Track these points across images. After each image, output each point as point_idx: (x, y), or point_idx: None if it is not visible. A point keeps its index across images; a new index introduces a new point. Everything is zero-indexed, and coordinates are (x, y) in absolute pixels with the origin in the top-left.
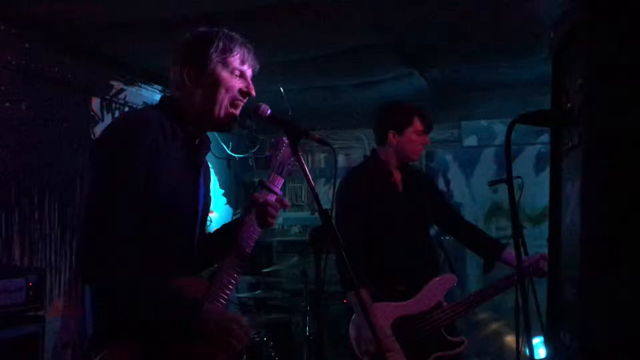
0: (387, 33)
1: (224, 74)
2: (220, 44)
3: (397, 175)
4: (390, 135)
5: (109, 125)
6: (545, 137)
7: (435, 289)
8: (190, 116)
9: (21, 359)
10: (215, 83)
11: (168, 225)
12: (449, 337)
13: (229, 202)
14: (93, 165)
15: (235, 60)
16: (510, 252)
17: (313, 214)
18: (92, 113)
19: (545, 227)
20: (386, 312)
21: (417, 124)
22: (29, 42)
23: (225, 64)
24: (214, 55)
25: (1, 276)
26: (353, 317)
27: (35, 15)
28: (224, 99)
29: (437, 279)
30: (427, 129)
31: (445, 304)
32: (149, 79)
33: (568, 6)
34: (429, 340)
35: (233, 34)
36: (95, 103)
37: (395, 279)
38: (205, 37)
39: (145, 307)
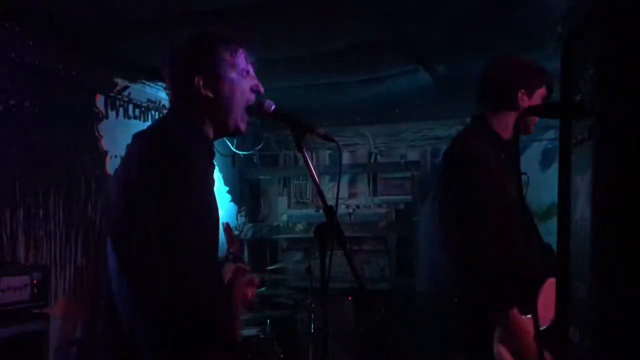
0: (393, 29)
1: (234, 75)
2: (225, 46)
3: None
4: (520, 96)
5: (146, 156)
6: (550, 134)
7: (549, 297)
8: (207, 126)
9: (26, 357)
10: (231, 88)
11: (210, 241)
12: None
13: (233, 200)
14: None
15: (241, 60)
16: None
17: (318, 211)
18: (96, 110)
19: (550, 223)
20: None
21: (544, 88)
22: (33, 40)
23: (234, 66)
24: (223, 60)
25: (6, 274)
26: (497, 333)
27: (38, 13)
28: (239, 102)
29: (548, 283)
30: (549, 96)
31: None
32: (153, 76)
33: None
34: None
35: (228, 34)
36: (100, 100)
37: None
38: (208, 41)
39: None
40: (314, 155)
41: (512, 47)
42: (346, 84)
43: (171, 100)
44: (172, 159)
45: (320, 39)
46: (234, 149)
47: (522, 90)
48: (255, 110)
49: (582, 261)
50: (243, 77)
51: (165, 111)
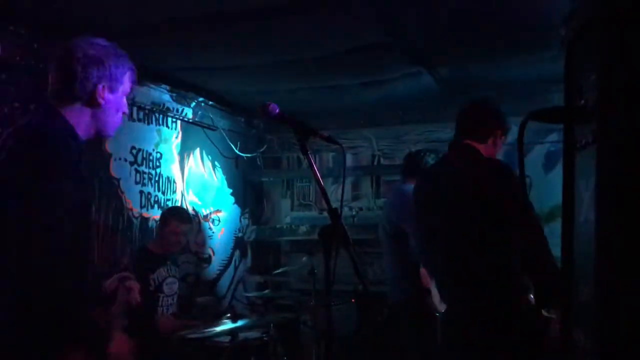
0: (395, 31)
1: (121, 91)
2: (127, 64)
3: None
4: (498, 134)
5: (17, 145)
6: (554, 136)
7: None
8: (85, 125)
9: None
10: (116, 100)
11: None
12: None
13: (236, 202)
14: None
15: (127, 79)
16: None
17: (321, 213)
18: None
19: (554, 226)
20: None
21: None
22: (38, 43)
23: (122, 83)
24: (118, 75)
25: None
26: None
27: (44, 16)
28: (116, 114)
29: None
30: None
31: None
32: (157, 79)
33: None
34: None
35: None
36: None
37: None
38: (115, 54)
39: None
40: (317, 157)
41: (514, 49)
42: (349, 86)
43: (55, 92)
44: (36, 151)
45: (323, 41)
46: (237, 152)
47: (500, 131)
48: (259, 113)
49: (587, 264)
50: (124, 95)
51: (169, 114)
